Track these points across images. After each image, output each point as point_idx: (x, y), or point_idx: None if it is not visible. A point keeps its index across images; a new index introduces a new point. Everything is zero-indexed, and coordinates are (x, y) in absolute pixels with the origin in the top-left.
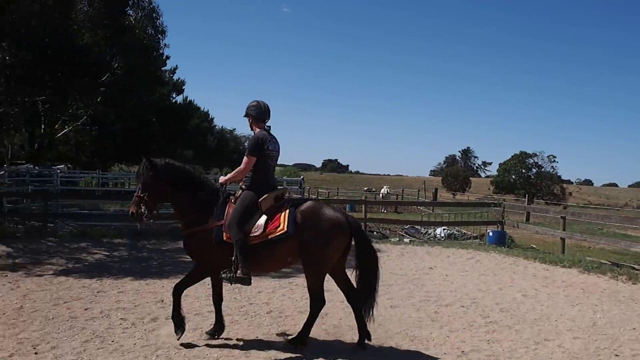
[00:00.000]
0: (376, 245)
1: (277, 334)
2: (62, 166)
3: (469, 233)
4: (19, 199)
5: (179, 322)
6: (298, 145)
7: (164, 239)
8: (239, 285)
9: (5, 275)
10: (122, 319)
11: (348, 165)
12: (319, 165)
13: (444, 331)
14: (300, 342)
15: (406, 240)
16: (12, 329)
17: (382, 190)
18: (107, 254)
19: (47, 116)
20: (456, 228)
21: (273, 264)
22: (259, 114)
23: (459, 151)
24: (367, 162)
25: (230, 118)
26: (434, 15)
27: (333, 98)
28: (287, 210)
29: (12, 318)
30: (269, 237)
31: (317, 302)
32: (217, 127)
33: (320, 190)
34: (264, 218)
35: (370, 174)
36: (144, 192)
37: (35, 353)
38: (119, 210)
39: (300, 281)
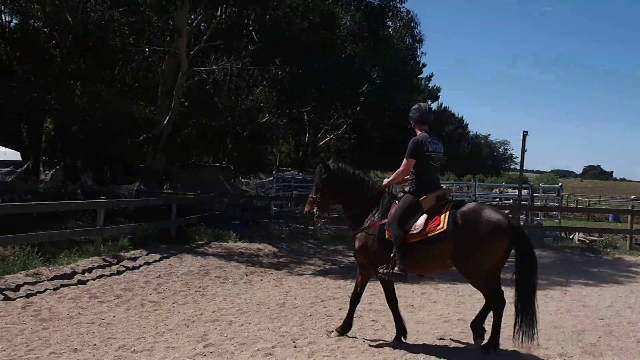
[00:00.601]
0: None
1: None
2: None
3: None
4: (284, 203)
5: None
6: (556, 150)
7: None
8: None
9: (271, 273)
10: (373, 320)
11: (612, 172)
12: (579, 171)
13: None
14: (492, 346)
15: None
16: (275, 322)
17: None
18: None
19: (311, 126)
20: None
21: (431, 264)
22: (420, 116)
23: None
24: (636, 168)
25: (485, 123)
26: None
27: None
28: (448, 211)
29: (275, 312)
30: (428, 235)
31: (495, 301)
32: (471, 133)
33: (579, 198)
34: (424, 217)
35: (639, 181)
36: (316, 193)
37: (295, 347)
38: None
39: (556, 294)
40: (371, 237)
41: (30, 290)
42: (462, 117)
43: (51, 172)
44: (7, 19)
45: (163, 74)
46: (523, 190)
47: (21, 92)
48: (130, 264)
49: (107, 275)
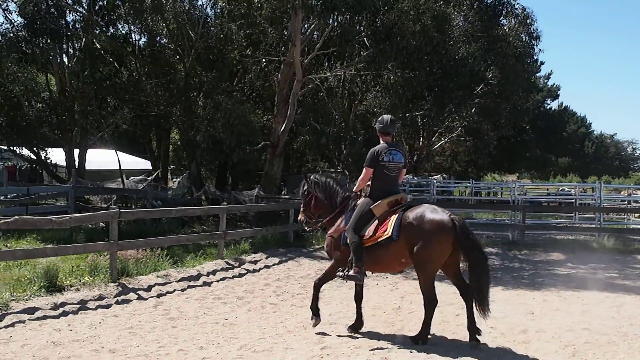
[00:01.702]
0: None
1: None
2: (438, 176)
3: None
4: None
5: (316, 312)
6: None
7: (536, 249)
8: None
9: (387, 277)
10: (491, 327)
11: None
12: None
13: None
14: (421, 339)
15: None
16: (391, 327)
17: None
18: None
19: (425, 129)
20: None
21: (388, 264)
22: (381, 128)
23: None
24: None
25: (611, 122)
26: None
27: None
28: (396, 215)
29: (391, 317)
30: (378, 240)
31: (429, 301)
32: (595, 132)
33: None
34: (376, 222)
35: None
36: (302, 203)
37: (410, 352)
38: (491, 219)
39: None
40: (336, 241)
41: (160, 290)
42: (585, 115)
43: (178, 179)
44: (137, 38)
45: (279, 83)
46: None
47: (150, 105)
48: (250, 267)
49: (230, 278)
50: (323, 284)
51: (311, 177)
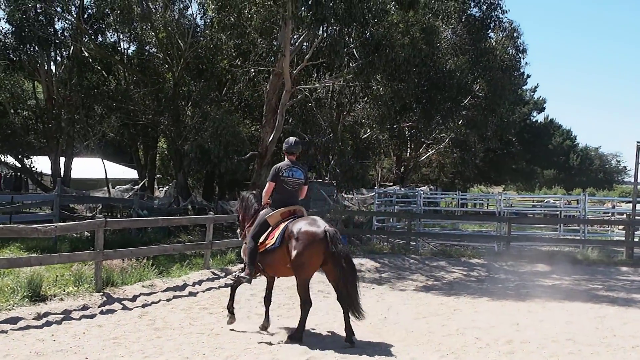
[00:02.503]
0: None
1: None
2: (425, 187)
3: None
4: (386, 218)
5: (231, 311)
6: None
7: (521, 261)
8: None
9: (373, 288)
10: (476, 338)
11: None
12: None
13: None
14: (296, 339)
15: None
16: (377, 337)
17: None
18: (465, 273)
19: (413, 141)
20: None
21: (277, 269)
22: (287, 148)
23: None
24: None
25: (596, 135)
26: None
27: None
28: (284, 225)
29: (377, 327)
30: (267, 246)
31: (303, 303)
32: (580, 145)
33: None
34: (268, 231)
35: None
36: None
37: None
38: (477, 231)
39: None
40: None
41: (145, 300)
42: (570, 128)
43: (165, 188)
44: (125, 46)
45: (268, 93)
46: (638, 205)
47: (138, 114)
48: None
49: (216, 288)
50: (238, 285)
51: (242, 194)
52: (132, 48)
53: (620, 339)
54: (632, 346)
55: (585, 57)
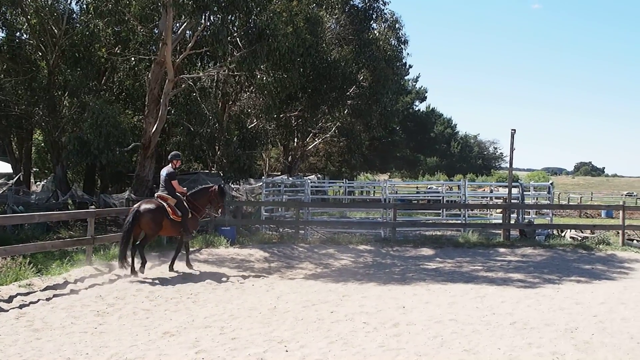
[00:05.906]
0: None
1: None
2: (312, 176)
3: None
4: (274, 208)
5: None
6: (548, 148)
7: (407, 245)
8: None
9: (262, 278)
10: (364, 322)
11: (604, 168)
12: (570, 168)
13: None
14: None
15: None
16: (267, 327)
17: None
18: (353, 259)
19: (300, 130)
20: None
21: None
22: (171, 158)
23: None
24: (628, 163)
25: (474, 123)
26: None
27: (586, 97)
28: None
29: (267, 317)
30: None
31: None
32: (460, 133)
33: (571, 195)
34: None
35: (631, 177)
36: None
37: (286, 351)
38: (365, 218)
39: (548, 292)
40: None
41: (23, 301)
42: (451, 117)
43: (42, 182)
44: None
45: (150, 82)
46: (513, 189)
47: (10, 104)
48: (122, 272)
49: (100, 284)
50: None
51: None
52: (1, 35)
53: (499, 317)
54: (509, 322)
55: (464, 49)
